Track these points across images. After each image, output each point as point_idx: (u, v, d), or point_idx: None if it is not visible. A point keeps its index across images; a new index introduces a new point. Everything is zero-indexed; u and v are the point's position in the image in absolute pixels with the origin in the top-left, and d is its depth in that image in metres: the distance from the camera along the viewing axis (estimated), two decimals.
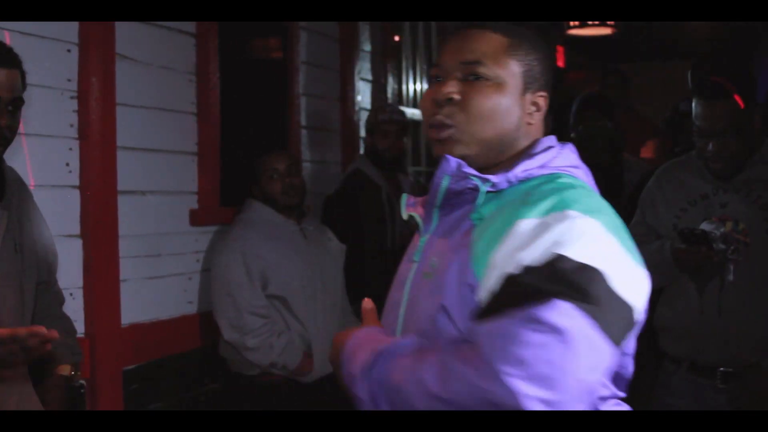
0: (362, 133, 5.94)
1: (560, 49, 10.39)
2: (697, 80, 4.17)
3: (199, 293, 4.42)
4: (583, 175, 1.87)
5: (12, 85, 2.52)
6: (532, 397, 1.50)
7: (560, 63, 10.40)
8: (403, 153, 5.32)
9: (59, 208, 3.59)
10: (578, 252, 1.61)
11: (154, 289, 4.13)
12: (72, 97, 3.65)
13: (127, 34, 3.91)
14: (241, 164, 4.65)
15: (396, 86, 6.84)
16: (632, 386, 1.86)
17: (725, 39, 9.51)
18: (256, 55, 5.43)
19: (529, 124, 1.90)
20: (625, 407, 1.80)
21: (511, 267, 1.64)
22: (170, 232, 4.24)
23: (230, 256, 4.14)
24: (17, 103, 2.54)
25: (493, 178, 1.83)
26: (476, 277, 1.71)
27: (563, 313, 1.55)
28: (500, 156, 1.89)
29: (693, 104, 3.42)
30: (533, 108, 1.91)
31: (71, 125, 3.66)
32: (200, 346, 4.41)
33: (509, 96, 1.87)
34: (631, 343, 1.77)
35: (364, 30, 6.20)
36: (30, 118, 3.42)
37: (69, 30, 3.63)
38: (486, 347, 1.55)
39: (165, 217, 4.21)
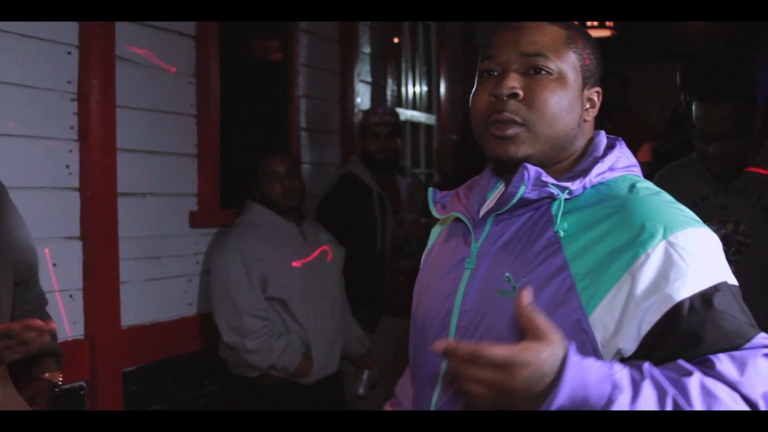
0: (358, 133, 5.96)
1: None
2: (696, 82, 4.17)
3: (198, 295, 4.42)
4: (640, 172, 1.85)
5: None
6: None
7: None
8: (397, 154, 5.31)
9: (59, 210, 3.59)
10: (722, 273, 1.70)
11: (154, 291, 4.13)
12: (72, 99, 3.65)
13: (127, 37, 3.91)
14: (240, 166, 4.65)
15: (395, 88, 6.85)
16: None
17: (724, 40, 9.51)
18: (256, 57, 5.44)
19: (586, 121, 1.83)
20: None
21: (668, 302, 1.61)
22: (170, 234, 4.24)
23: (230, 258, 4.13)
24: None
25: (570, 185, 1.74)
26: (584, 305, 1.64)
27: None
28: (560, 155, 1.81)
29: (693, 107, 3.42)
30: (589, 104, 1.84)
31: (71, 127, 3.65)
32: (200, 347, 4.41)
33: (572, 91, 1.79)
34: None
35: (364, 32, 6.20)
36: (30, 120, 3.42)
37: (69, 32, 3.63)
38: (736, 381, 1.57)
39: (165, 219, 4.21)
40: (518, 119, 1.76)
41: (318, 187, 5.37)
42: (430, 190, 2.03)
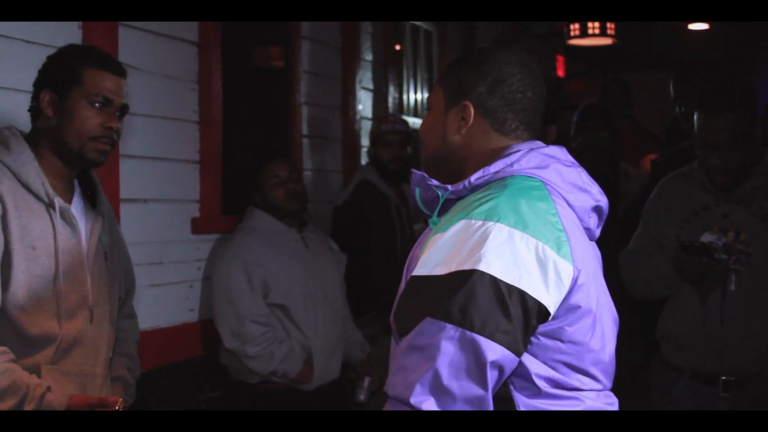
0: (363, 142, 5.96)
1: (560, 59, 10.42)
2: (692, 92, 4.19)
3: (200, 301, 4.42)
4: (550, 175, 1.95)
5: (121, 92, 2.78)
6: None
7: (560, 72, 10.42)
8: (407, 162, 5.31)
9: None
10: (456, 263, 1.80)
11: (156, 297, 4.13)
12: None
13: (130, 43, 3.92)
14: (242, 172, 4.66)
15: (397, 95, 6.86)
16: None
17: (725, 48, 9.53)
18: (258, 63, 5.44)
19: (460, 134, 2.08)
20: (595, 397, 1.91)
21: (415, 271, 1.87)
22: (172, 239, 4.25)
23: (231, 264, 4.14)
24: (124, 109, 2.78)
25: (450, 186, 2.00)
26: None
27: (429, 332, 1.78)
28: (452, 168, 2.09)
29: (694, 117, 3.43)
30: (461, 119, 2.07)
31: None
32: (201, 353, 4.42)
33: (434, 116, 2.13)
34: (577, 333, 1.87)
35: (366, 39, 6.21)
36: None
37: (72, 39, 3.62)
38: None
39: (167, 225, 4.22)
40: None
41: (319, 194, 5.38)
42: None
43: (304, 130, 5.45)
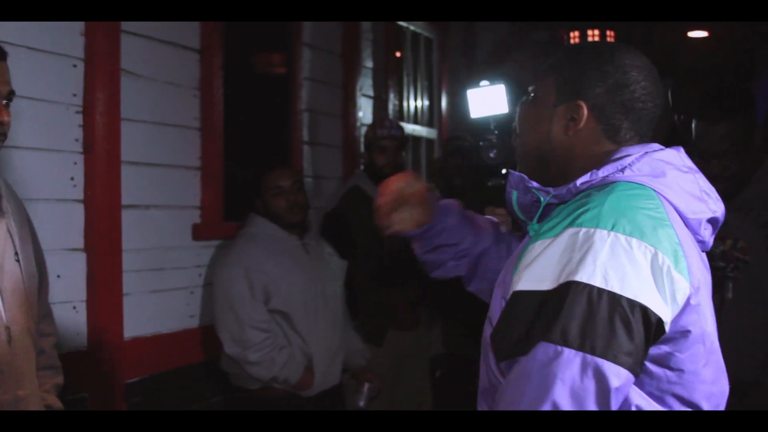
0: (363, 148, 5.97)
1: None
2: (691, 100, 4.19)
3: (201, 307, 4.43)
4: (665, 183, 1.78)
5: (6, 78, 2.45)
6: None
7: None
8: (403, 167, 5.28)
9: (63, 222, 3.61)
10: (584, 274, 1.60)
11: (157, 303, 4.15)
12: (77, 112, 3.68)
13: (132, 50, 3.94)
14: (244, 179, 4.67)
15: (397, 102, 6.86)
16: None
17: (724, 56, 9.53)
18: (260, 70, 5.46)
19: (567, 134, 1.89)
20: None
21: (518, 285, 1.67)
22: (173, 246, 4.26)
23: (233, 271, 4.15)
24: (11, 96, 2.48)
25: (553, 190, 1.83)
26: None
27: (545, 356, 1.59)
28: (552, 169, 1.91)
29: (693, 125, 3.44)
30: (570, 119, 1.88)
31: (76, 139, 3.68)
32: (202, 359, 4.43)
33: (539, 109, 1.93)
34: (688, 360, 1.69)
35: (366, 46, 6.23)
36: (35, 132, 3.45)
37: (75, 45, 3.66)
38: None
39: (168, 232, 4.23)
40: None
41: (319, 200, 5.38)
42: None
43: (305, 136, 5.47)
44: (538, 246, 1.69)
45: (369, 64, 6.29)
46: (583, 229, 1.64)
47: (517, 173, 1.90)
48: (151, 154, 4.12)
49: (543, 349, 1.57)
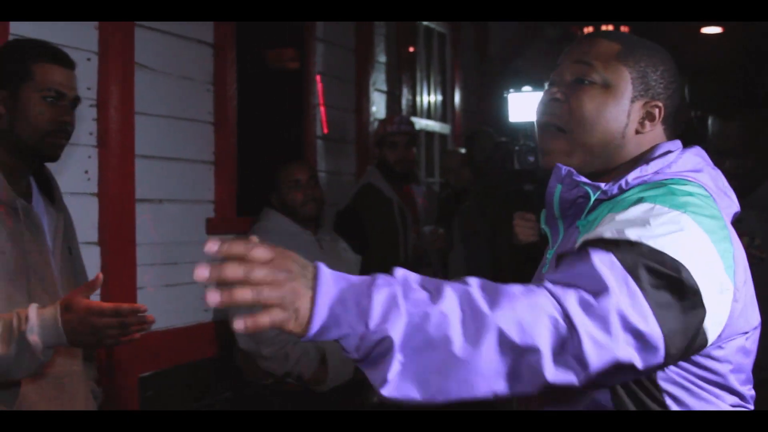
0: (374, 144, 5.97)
1: None
2: (708, 97, 4.18)
3: None
4: (707, 179, 1.78)
5: (73, 85, 2.71)
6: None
7: None
8: (414, 163, 5.29)
9: (77, 216, 3.59)
10: (658, 241, 1.54)
11: (171, 297, 4.15)
12: (91, 106, 3.68)
13: (146, 44, 3.94)
14: (257, 174, 4.67)
15: (410, 97, 6.86)
16: None
17: (738, 53, 9.51)
18: (273, 65, 5.46)
19: (639, 133, 1.84)
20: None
21: (590, 236, 1.59)
22: (187, 240, 4.26)
23: None
24: (76, 102, 2.71)
25: (604, 185, 1.78)
26: None
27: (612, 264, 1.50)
28: (607, 164, 1.84)
29: (708, 122, 3.43)
30: (645, 117, 1.85)
31: (90, 133, 3.69)
32: (215, 354, 4.43)
33: (617, 101, 1.83)
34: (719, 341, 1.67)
35: (380, 42, 6.23)
36: None
37: (89, 39, 3.66)
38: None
39: (182, 226, 4.24)
40: (558, 122, 1.85)
41: (333, 196, 5.38)
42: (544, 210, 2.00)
43: (318, 131, 5.47)
44: (608, 217, 1.65)
45: (382, 59, 6.29)
46: (664, 207, 1.61)
47: (565, 167, 1.81)
48: (165, 148, 4.13)
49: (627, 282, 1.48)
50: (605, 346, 1.43)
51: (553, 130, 1.86)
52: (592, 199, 1.79)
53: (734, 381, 1.73)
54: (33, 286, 2.56)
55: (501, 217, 4.09)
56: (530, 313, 1.41)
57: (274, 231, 4.27)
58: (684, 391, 1.68)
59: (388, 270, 1.62)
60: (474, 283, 1.47)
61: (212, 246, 1.43)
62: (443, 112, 7.76)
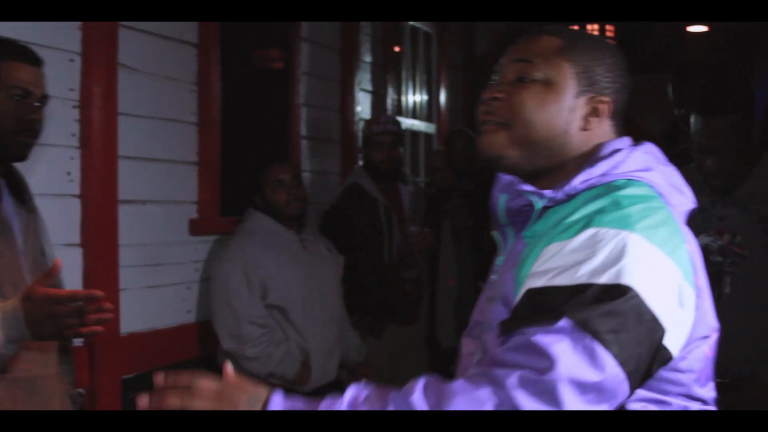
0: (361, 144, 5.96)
1: None
2: (691, 95, 4.19)
3: (198, 302, 4.43)
4: (657, 177, 1.74)
5: (41, 82, 2.67)
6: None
7: None
8: (400, 163, 5.29)
9: (60, 217, 3.60)
10: (605, 276, 1.53)
11: (154, 298, 4.14)
12: (74, 106, 3.67)
13: (130, 44, 3.93)
14: (241, 174, 4.66)
15: (396, 97, 6.86)
16: None
17: (724, 51, 9.52)
18: (258, 65, 5.45)
19: (584, 129, 1.79)
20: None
21: (535, 282, 1.58)
22: (170, 241, 4.26)
23: (230, 266, 4.15)
24: (45, 100, 2.67)
25: (548, 192, 1.74)
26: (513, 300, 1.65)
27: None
28: (550, 161, 1.79)
29: (691, 120, 3.43)
30: (590, 113, 1.80)
31: (73, 134, 3.67)
32: (199, 355, 4.42)
33: (558, 97, 1.78)
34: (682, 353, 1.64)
35: (365, 41, 6.22)
36: None
37: (72, 39, 3.65)
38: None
39: (165, 227, 4.23)
40: (497, 119, 1.80)
41: (318, 196, 5.38)
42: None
43: (303, 131, 5.46)
44: (553, 247, 1.61)
45: (367, 58, 6.28)
46: (607, 230, 1.58)
47: (507, 176, 1.79)
48: (148, 149, 4.11)
49: (564, 325, 1.49)
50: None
51: (493, 125, 1.81)
52: (538, 207, 1.75)
53: (697, 388, 1.70)
54: (3, 287, 2.50)
55: (487, 215, 4.10)
56: (471, 408, 1.47)
57: (258, 232, 4.27)
58: (652, 405, 1.66)
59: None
60: (418, 388, 1.53)
61: (158, 379, 1.54)
62: (429, 112, 7.75)
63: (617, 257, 1.54)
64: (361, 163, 5.49)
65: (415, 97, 7.48)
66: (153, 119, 4.14)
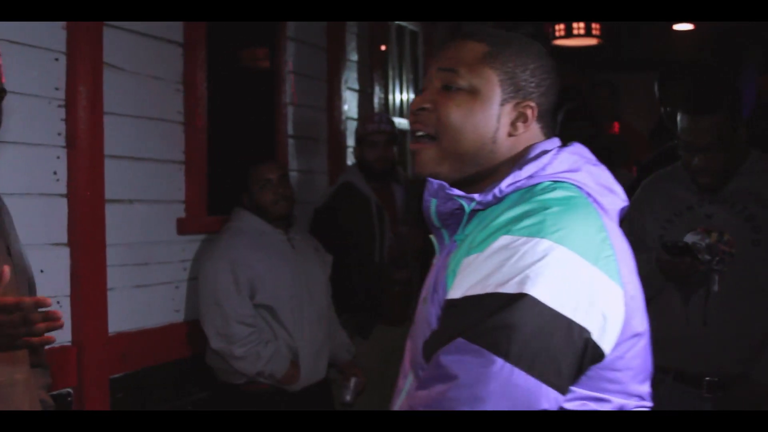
0: (349, 142, 5.95)
1: None
2: (677, 93, 4.19)
3: (186, 302, 4.42)
4: (584, 178, 1.75)
5: None
6: None
7: None
8: (394, 162, 5.28)
9: (46, 217, 3.59)
10: (512, 286, 1.56)
11: (141, 298, 4.13)
12: (60, 106, 3.65)
13: (115, 44, 3.92)
14: (228, 173, 4.65)
15: (382, 96, 6.85)
16: None
17: (711, 49, 9.56)
18: (244, 64, 5.44)
19: (512, 135, 1.80)
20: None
21: (454, 293, 1.64)
22: (157, 240, 4.24)
23: (218, 265, 4.14)
24: (2, 94, 2.49)
25: (477, 196, 1.76)
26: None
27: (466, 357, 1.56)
28: (480, 170, 1.80)
29: (678, 118, 3.44)
30: (517, 119, 1.81)
31: (59, 134, 3.66)
32: (187, 354, 4.41)
33: (484, 106, 1.79)
34: (632, 360, 1.69)
35: (351, 40, 6.21)
36: (17, 127, 3.42)
37: (57, 38, 3.63)
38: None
39: (152, 226, 4.22)
40: (426, 129, 1.82)
41: (304, 195, 5.37)
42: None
43: (290, 130, 5.45)
44: (472, 257, 1.65)
45: (354, 57, 6.27)
46: (519, 237, 1.61)
47: (436, 181, 1.80)
48: (135, 148, 4.10)
49: (464, 349, 1.56)
50: None
51: (423, 138, 1.83)
52: (467, 211, 1.77)
53: (635, 385, 1.72)
54: None
55: None
56: None
57: (246, 231, 4.26)
58: (592, 402, 1.67)
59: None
60: None
61: None
62: None
63: (525, 265, 1.57)
64: (351, 161, 5.49)
65: (401, 96, 7.47)
66: (139, 118, 4.12)
